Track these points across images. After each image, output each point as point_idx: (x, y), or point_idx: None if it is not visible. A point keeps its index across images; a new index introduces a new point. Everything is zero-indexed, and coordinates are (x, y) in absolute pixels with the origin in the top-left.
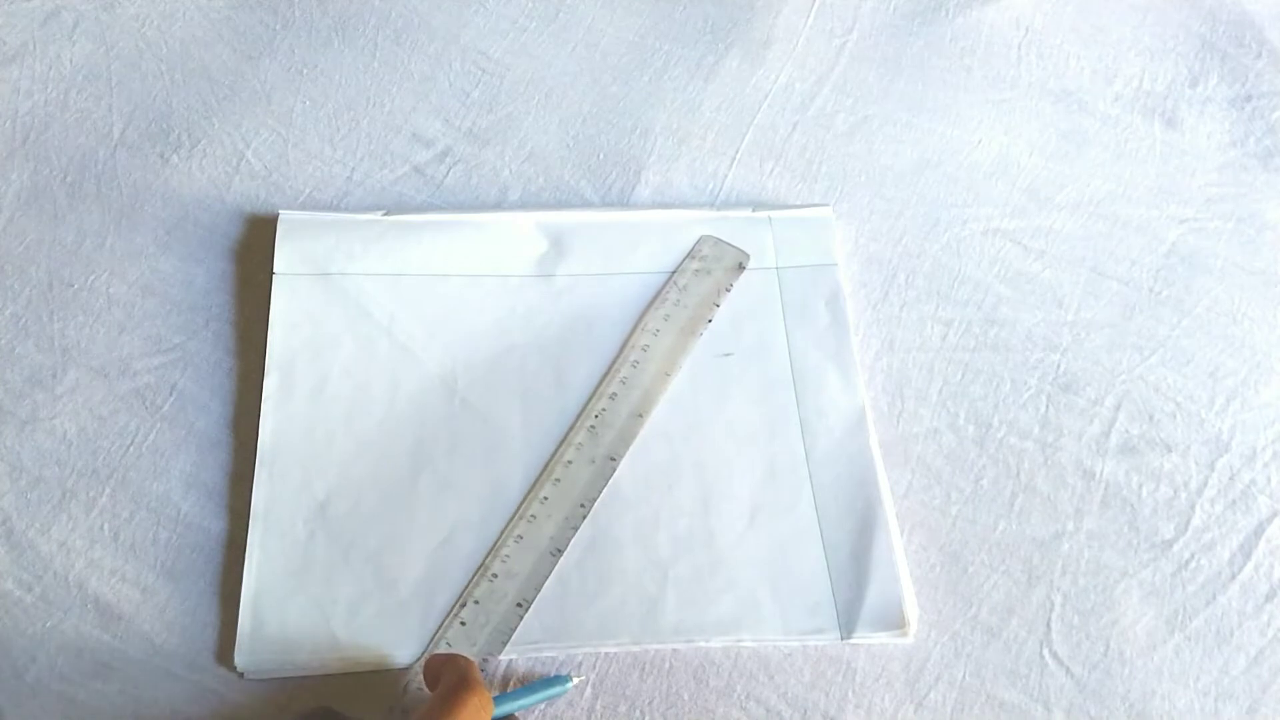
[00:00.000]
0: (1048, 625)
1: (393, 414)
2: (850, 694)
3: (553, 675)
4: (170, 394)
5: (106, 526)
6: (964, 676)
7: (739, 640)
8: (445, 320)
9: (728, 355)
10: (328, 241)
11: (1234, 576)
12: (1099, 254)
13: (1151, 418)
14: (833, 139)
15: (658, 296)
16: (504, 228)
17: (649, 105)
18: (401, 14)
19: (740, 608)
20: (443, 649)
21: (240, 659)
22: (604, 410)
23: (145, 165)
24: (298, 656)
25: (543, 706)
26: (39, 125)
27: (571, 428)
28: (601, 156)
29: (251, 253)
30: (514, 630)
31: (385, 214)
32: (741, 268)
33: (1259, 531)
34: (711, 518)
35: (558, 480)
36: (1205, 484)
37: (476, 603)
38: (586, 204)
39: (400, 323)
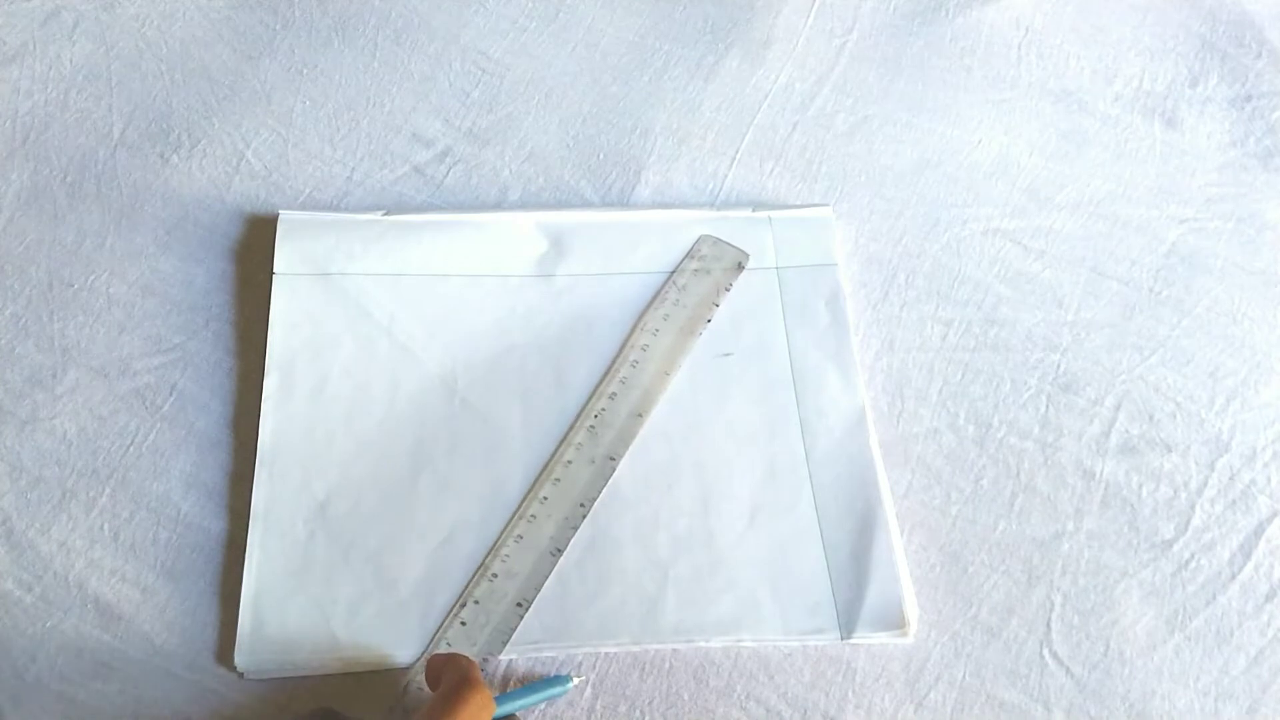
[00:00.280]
0: (1048, 625)
1: (393, 414)
2: (850, 694)
3: (553, 675)
4: (170, 394)
5: (106, 526)
6: (964, 676)
7: (739, 640)
8: (445, 320)
9: (728, 355)
10: (328, 241)
11: (1234, 576)
12: (1099, 254)
13: (1151, 418)
14: (833, 139)
15: (657, 296)
16: (504, 228)
17: (649, 105)
18: (401, 14)
19: (740, 608)
20: (443, 649)
21: (240, 659)
22: (604, 410)
23: (145, 165)
24: (298, 656)
25: (543, 706)
26: (39, 125)
27: (571, 428)
28: (601, 156)
29: (251, 253)
30: (514, 630)
31: (385, 214)
32: (741, 267)
33: (1259, 531)
34: (711, 518)
35: (558, 480)
36: (1205, 484)
37: (477, 602)
38: (586, 204)
39: (400, 323)
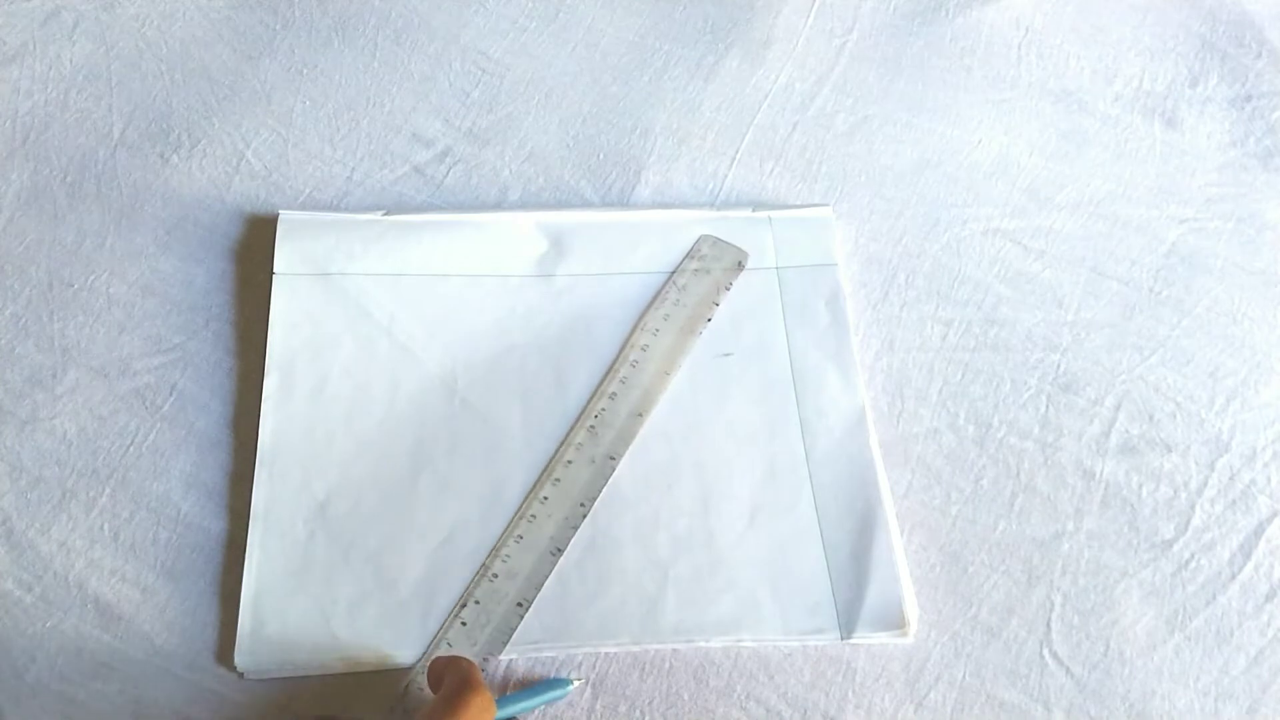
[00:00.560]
0: (1048, 625)
1: (393, 414)
2: (850, 694)
3: (554, 677)
4: (170, 394)
5: (106, 526)
6: (964, 676)
7: (739, 640)
8: (445, 320)
9: (728, 355)
10: (328, 241)
11: (1234, 576)
12: (1099, 254)
13: (1151, 418)
14: (833, 139)
15: (657, 296)
16: (504, 228)
17: (649, 105)
18: (401, 14)
19: (740, 608)
20: (443, 649)
21: (240, 659)
22: (604, 410)
23: (145, 165)
24: (298, 656)
25: (543, 707)
26: (39, 125)
27: (571, 427)
28: (601, 156)
29: (251, 253)
30: (514, 630)
31: (385, 214)
32: (741, 266)
33: (1259, 531)
34: (711, 518)
35: (558, 480)
36: (1205, 484)
37: (477, 603)
38: (586, 204)
39: (400, 323)
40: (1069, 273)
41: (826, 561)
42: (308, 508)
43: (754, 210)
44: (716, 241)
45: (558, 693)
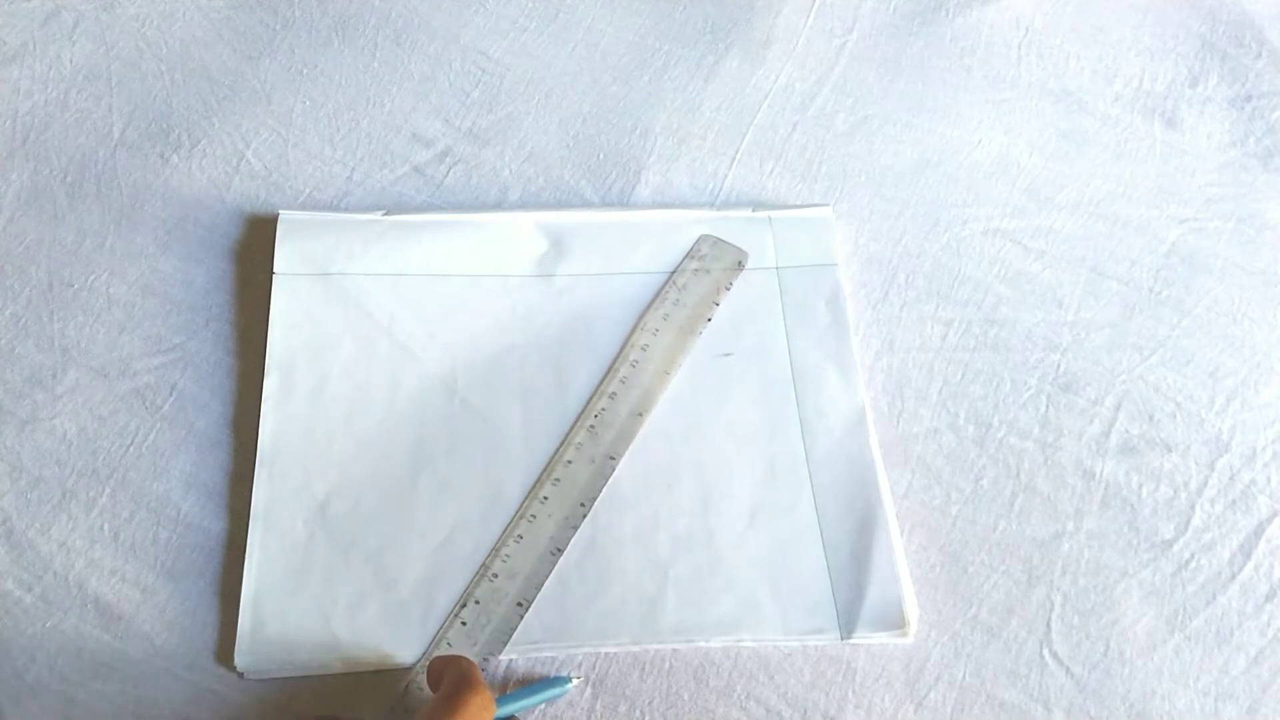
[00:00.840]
0: (1048, 625)
1: (393, 414)
2: (850, 694)
3: (553, 676)
4: (170, 394)
5: (106, 526)
6: (964, 676)
7: (739, 640)
8: (445, 320)
9: (728, 355)
10: (328, 241)
11: (1234, 576)
12: (1099, 254)
13: (1151, 418)
14: (833, 139)
15: (657, 296)
16: (504, 228)
17: (649, 105)
18: (401, 14)
19: (740, 608)
20: (444, 649)
21: (240, 659)
22: (604, 410)
23: (145, 165)
24: (298, 656)
25: (543, 706)
26: (39, 125)
27: (571, 427)
28: (601, 156)
29: (251, 253)
30: (514, 630)
31: (385, 214)
32: (740, 266)
33: (1259, 531)
34: (711, 518)
35: (558, 480)
36: (1205, 484)
37: (477, 603)
38: (586, 204)
39: (400, 323)
40: (1069, 273)
41: (826, 561)
42: (308, 508)
43: (754, 210)
44: (716, 241)
45: (557, 691)
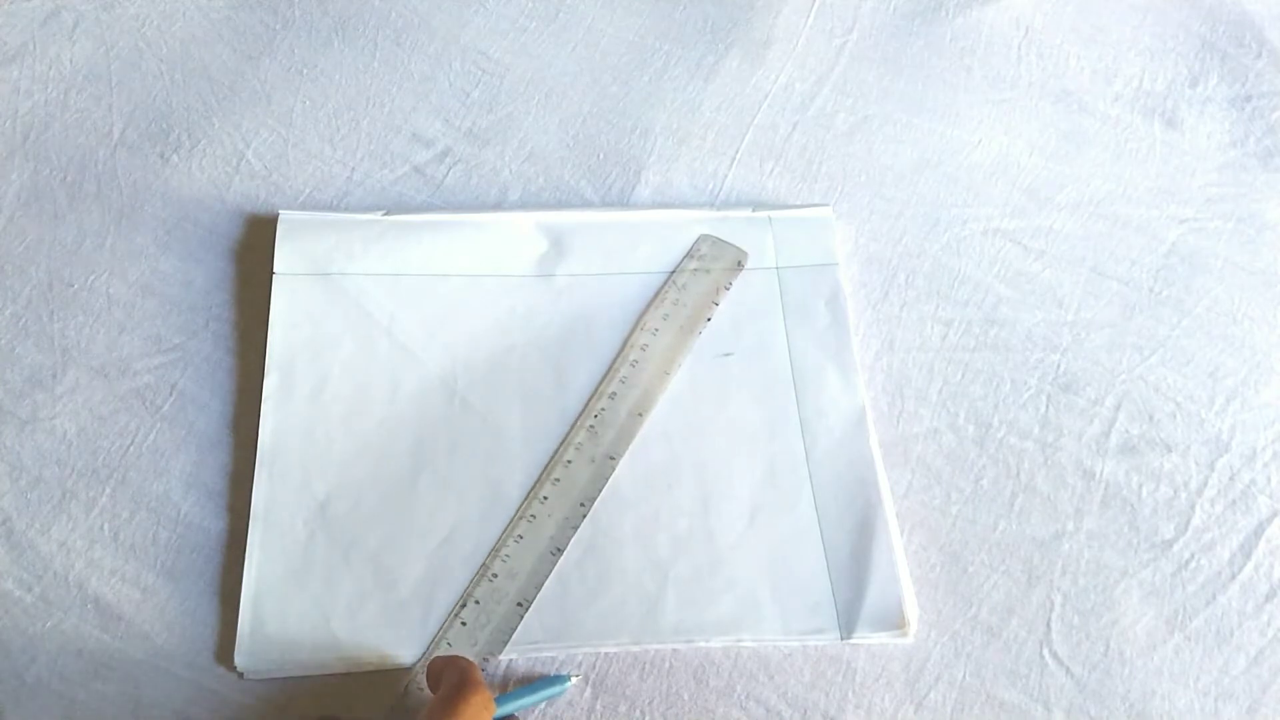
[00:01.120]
0: (1048, 625)
1: (393, 414)
2: (850, 694)
3: (552, 675)
4: (170, 394)
5: (106, 526)
6: (964, 676)
7: (739, 640)
8: (445, 320)
9: (728, 355)
10: (328, 241)
11: (1234, 576)
12: (1099, 254)
13: (1151, 418)
14: (833, 139)
15: (657, 296)
16: (504, 228)
17: (649, 105)
18: (401, 14)
19: (740, 608)
20: (443, 649)
21: (240, 659)
22: (604, 410)
23: (145, 165)
24: (298, 656)
25: (543, 706)
26: (39, 125)
27: (571, 427)
28: (601, 156)
29: (251, 253)
30: (514, 630)
31: (385, 214)
32: (740, 266)
33: (1259, 531)
34: (711, 518)
35: (558, 480)
36: (1205, 484)
37: (477, 602)
38: (586, 204)
39: (400, 323)
40: (1069, 273)
41: (826, 561)
42: (308, 508)
43: (754, 210)
44: (716, 241)
45: (556, 689)
